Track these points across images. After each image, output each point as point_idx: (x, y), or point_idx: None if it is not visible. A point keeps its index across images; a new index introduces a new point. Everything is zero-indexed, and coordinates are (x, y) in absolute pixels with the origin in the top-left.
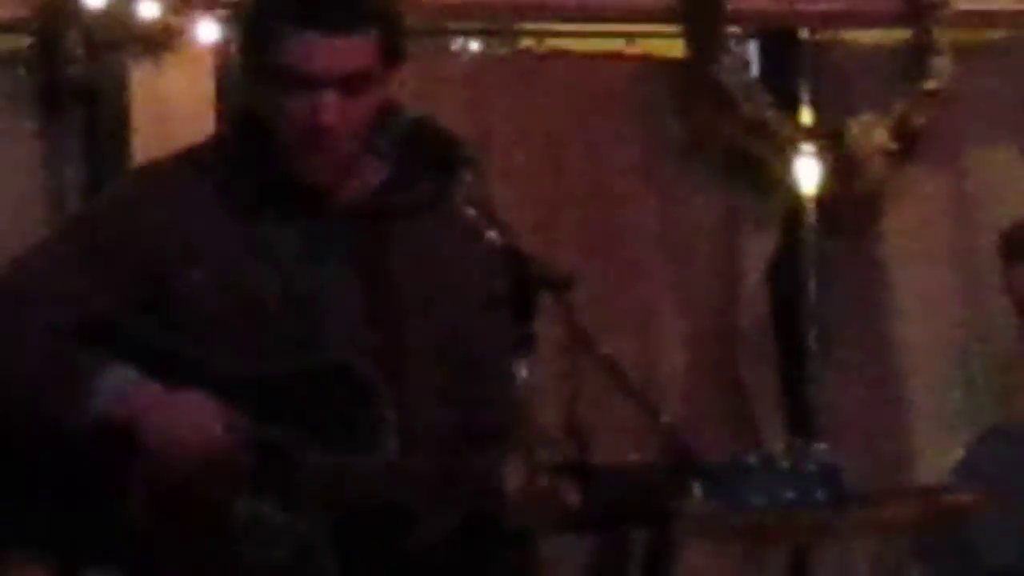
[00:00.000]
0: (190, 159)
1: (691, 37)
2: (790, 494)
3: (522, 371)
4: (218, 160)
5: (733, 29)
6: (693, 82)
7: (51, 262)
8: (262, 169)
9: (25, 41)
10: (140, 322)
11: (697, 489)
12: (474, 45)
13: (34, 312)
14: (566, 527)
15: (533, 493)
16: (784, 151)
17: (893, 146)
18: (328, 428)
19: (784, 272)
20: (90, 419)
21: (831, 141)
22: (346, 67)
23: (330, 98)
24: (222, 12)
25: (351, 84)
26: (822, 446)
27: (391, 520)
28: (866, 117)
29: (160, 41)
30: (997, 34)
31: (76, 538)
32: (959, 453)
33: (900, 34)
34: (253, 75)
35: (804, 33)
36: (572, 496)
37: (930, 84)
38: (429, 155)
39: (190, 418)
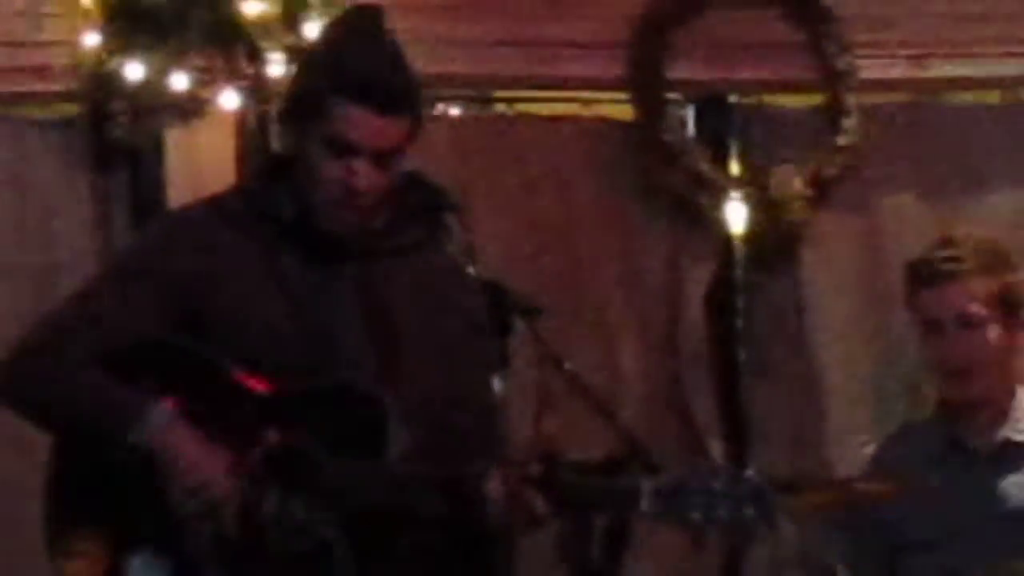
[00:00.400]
0: (216, 205)
1: (638, 102)
2: (722, 512)
3: (498, 384)
4: (244, 206)
5: (673, 95)
6: (641, 140)
7: (100, 296)
8: (284, 213)
9: (77, 109)
10: (184, 338)
11: (645, 502)
12: (455, 110)
13: (89, 339)
14: (536, 527)
15: (510, 501)
16: (717, 197)
17: (809, 192)
18: (342, 437)
19: (719, 299)
20: (132, 444)
21: (756, 188)
22: (387, 143)
23: (365, 167)
24: (241, 84)
25: (385, 155)
26: (751, 472)
27: (396, 518)
28: (786, 168)
29: (190, 108)
30: (896, 98)
31: (127, 522)
32: (869, 454)
33: (815, 98)
34: (302, 133)
35: (733, 98)
36: (540, 505)
37: (840, 140)
38: (420, 203)
39: (201, 462)
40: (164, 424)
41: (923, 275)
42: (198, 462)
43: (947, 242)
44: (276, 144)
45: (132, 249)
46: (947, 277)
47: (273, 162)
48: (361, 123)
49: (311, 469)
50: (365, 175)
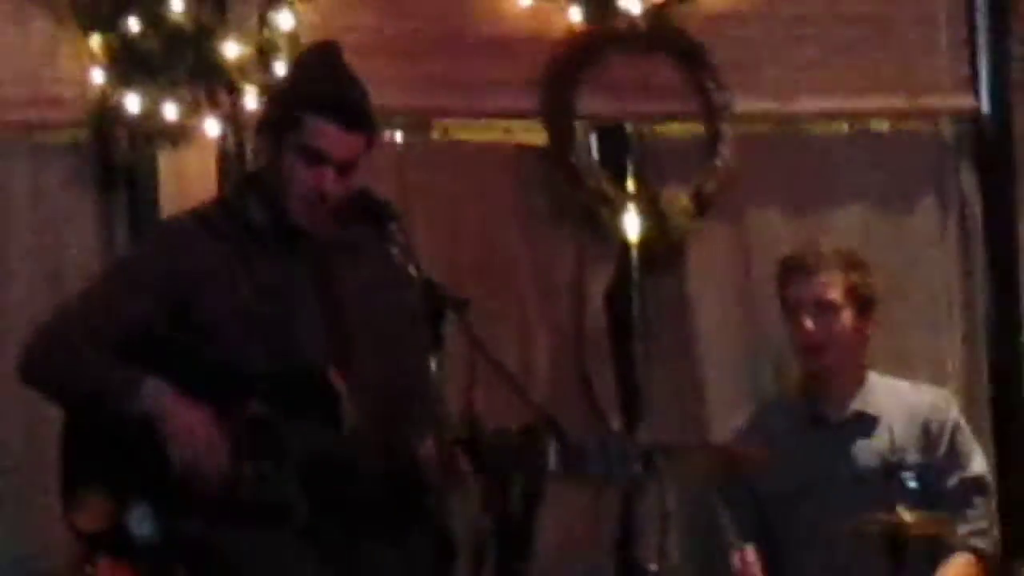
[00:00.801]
0: (198, 215)
1: (550, 130)
2: (617, 471)
3: (434, 364)
4: (222, 215)
5: (580, 124)
6: (552, 162)
7: (103, 294)
8: (256, 218)
9: (83, 135)
10: (175, 333)
11: (553, 461)
12: (398, 136)
13: (94, 328)
14: (462, 483)
15: (440, 461)
16: (616, 210)
17: (692, 207)
18: (304, 411)
19: (617, 296)
20: (132, 412)
21: (649, 203)
22: (350, 154)
23: (332, 174)
24: (221, 114)
25: (348, 166)
26: (642, 437)
27: (344, 475)
28: (673, 186)
29: (179, 135)
30: (764, 128)
31: (127, 479)
32: (736, 427)
33: (697, 128)
34: (279, 143)
35: (629, 127)
36: (465, 464)
37: (718, 163)
38: (369, 213)
39: (193, 420)
40: (158, 393)
41: (791, 268)
42: (191, 420)
43: (812, 244)
44: (251, 164)
45: (130, 254)
46: (810, 269)
47: (245, 177)
48: (331, 136)
49: (277, 436)
50: (331, 180)
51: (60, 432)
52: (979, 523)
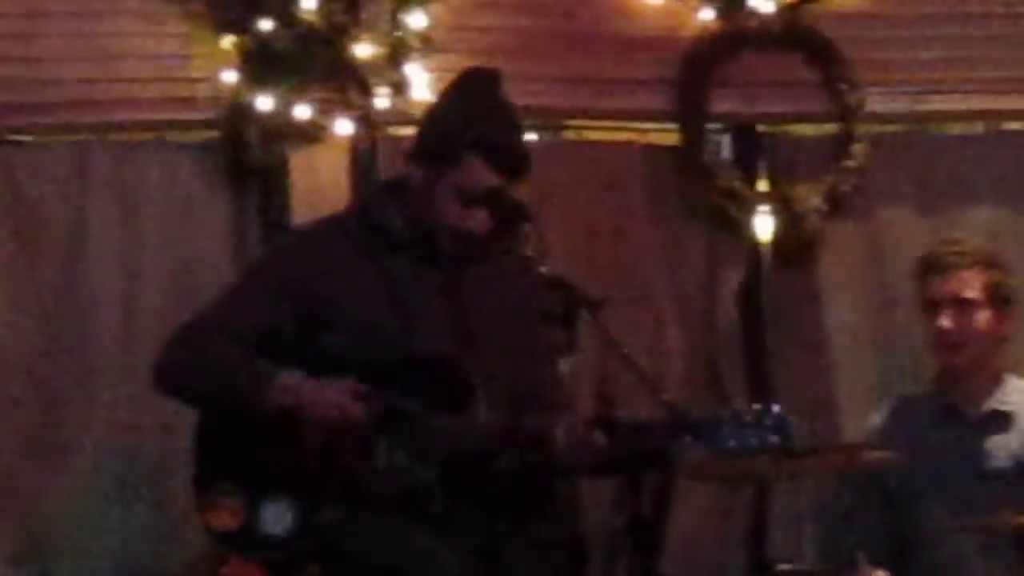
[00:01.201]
0: (334, 222)
1: (683, 130)
2: (753, 440)
3: (566, 366)
4: (359, 222)
5: (712, 125)
6: (685, 162)
7: (237, 297)
8: (395, 228)
9: (216, 134)
10: (314, 331)
11: (687, 438)
12: (533, 135)
13: (229, 332)
14: (598, 469)
15: (575, 440)
16: (748, 210)
17: (824, 206)
18: (437, 400)
19: (749, 294)
20: (270, 406)
21: (781, 203)
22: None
23: (484, 215)
24: (353, 114)
25: None
26: (776, 407)
27: (480, 466)
28: (805, 186)
29: (311, 134)
30: (897, 128)
31: (259, 478)
32: (874, 421)
33: (830, 128)
34: (433, 173)
35: (762, 127)
36: (601, 440)
37: (850, 163)
38: (504, 214)
39: (334, 397)
40: (292, 384)
41: (930, 265)
42: (327, 394)
43: (953, 241)
44: (382, 163)
45: (264, 258)
46: (949, 267)
47: (386, 187)
48: (493, 182)
49: (412, 424)
50: (483, 221)
51: (193, 430)
52: None
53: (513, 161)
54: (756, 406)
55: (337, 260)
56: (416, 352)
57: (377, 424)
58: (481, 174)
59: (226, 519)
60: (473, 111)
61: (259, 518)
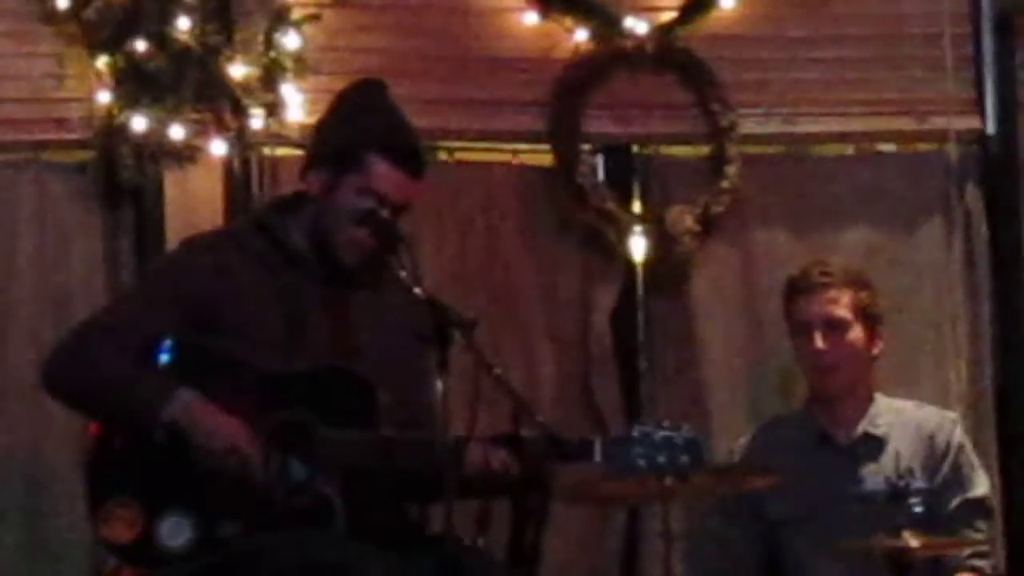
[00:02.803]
0: (230, 233)
1: (557, 151)
2: (662, 460)
3: (439, 384)
4: (256, 234)
5: (585, 146)
6: (560, 183)
7: (130, 304)
8: (294, 242)
9: (89, 154)
10: (205, 337)
11: (597, 454)
12: None
13: (121, 338)
14: (505, 484)
15: (485, 461)
16: (622, 231)
17: (698, 228)
18: (336, 411)
19: (622, 316)
20: (164, 422)
21: (654, 224)
22: (409, 200)
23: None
24: (227, 134)
25: (402, 210)
26: (686, 427)
27: (382, 477)
28: (679, 207)
29: (185, 155)
30: (770, 149)
31: (157, 491)
32: (742, 444)
33: (704, 149)
34: (335, 181)
35: (636, 148)
36: (511, 462)
37: (724, 184)
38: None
39: (223, 429)
40: (190, 402)
41: (799, 286)
42: (224, 429)
43: (819, 262)
44: (256, 184)
45: (157, 267)
46: (818, 287)
47: (282, 201)
48: (395, 181)
49: (309, 437)
50: (366, 241)
51: (86, 443)
52: (981, 545)
53: (415, 159)
54: (666, 425)
55: (231, 270)
56: (313, 364)
57: (276, 436)
58: (386, 172)
59: (122, 531)
60: (371, 115)
61: (157, 531)
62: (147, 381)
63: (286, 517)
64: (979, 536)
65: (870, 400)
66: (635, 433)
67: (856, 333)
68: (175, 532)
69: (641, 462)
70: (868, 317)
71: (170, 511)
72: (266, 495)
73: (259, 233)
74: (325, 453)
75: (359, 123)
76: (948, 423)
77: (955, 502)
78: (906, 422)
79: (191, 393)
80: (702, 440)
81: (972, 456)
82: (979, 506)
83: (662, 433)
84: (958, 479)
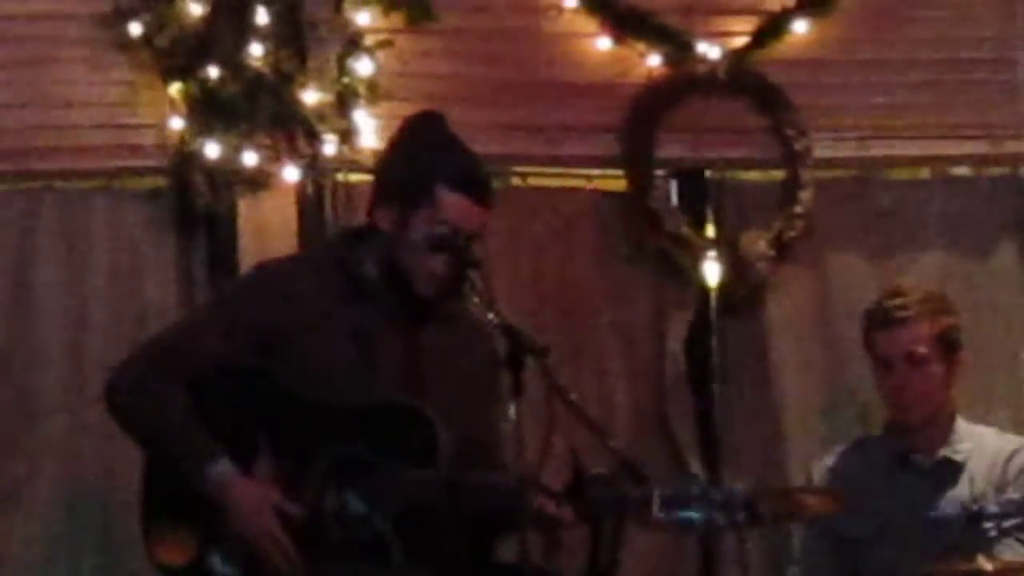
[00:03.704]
0: (304, 260)
1: (630, 176)
2: (719, 517)
3: (513, 411)
4: (331, 263)
5: (659, 171)
6: (632, 208)
7: (197, 328)
8: (367, 273)
9: (165, 182)
10: (270, 365)
11: (656, 509)
12: None
13: (184, 361)
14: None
15: (543, 515)
16: (696, 256)
17: (772, 253)
18: (396, 448)
19: (697, 341)
20: (200, 485)
21: (728, 249)
22: (480, 229)
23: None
24: (300, 160)
25: (475, 239)
26: (740, 486)
27: (440, 516)
28: (753, 232)
29: (258, 181)
30: (844, 173)
31: (210, 514)
32: (826, 463)
33: (777, 174)
34: (407, 215)
35: (709, 173)
36: (569, 516)
37: (798, 209)
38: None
39: (253, 510)
40: (222, 480)
41: (877, 320)
42: (250, 518)
43: (897, 292)
44: (330, 210)
45: (228, 291)
46: (897, 322)
47: (356, 232)
48: (466, 211)
49: (366, 472)
50: (446, 266)
51: (143, 465)
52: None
53: (484, 188)
54: (723, 486)
55: (303, 298)
56: (379, 399)
57: (332, 470)
58: (457, 205)
59: (174, 554)
60: (435, 147)
61: (210, 557)
62: (189, 440)
63: (341, 552)
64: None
65: (951, 424)
66: (693, 492)
67: (936, 366)
68: (228, 560)
69: (697, 518)
70: (948, 345)
71: (224, 539)
72: (323, 530)
73: (333, 263)
74: (384, 490)
75: (424, 157)
76: None
77: (1016, 520)
78: (985, 448)
79: (225, 468)
80: (757, 499)
81: None
82: None
83: (720, 491)
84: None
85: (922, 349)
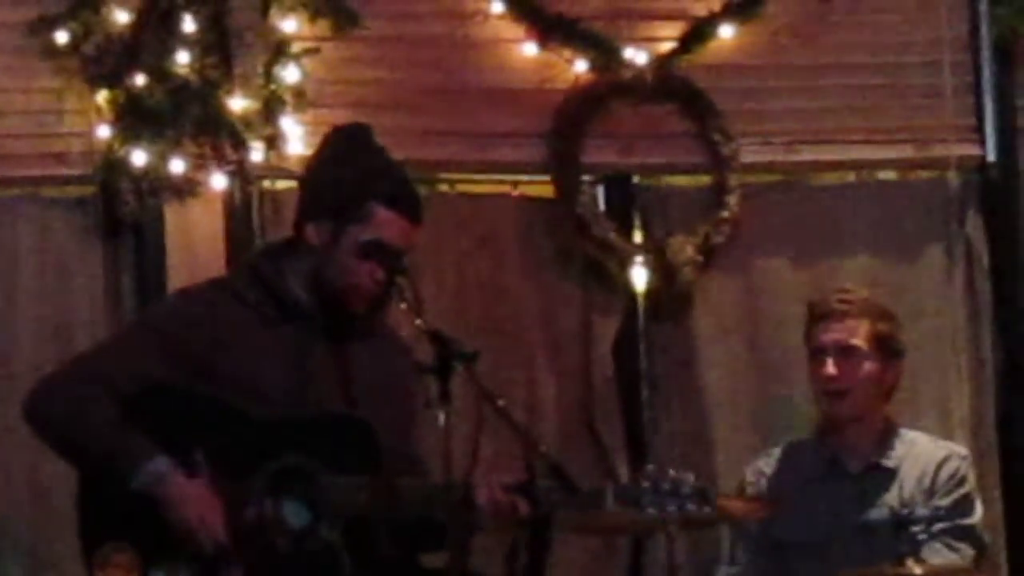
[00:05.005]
0: (225, 286)
1: (557, 182)
2: (672, 507)
3: (441, 417)
4: (251, 285)
5: (585, 176)
6: (560, 214)
7: (120, 347)
8: (293, 293)
9: (90, 189)
10: (200, 385)
11: (609, 502)
12: None
13: (108, 380)
14: (517, 527)
15: (497, 507)
16: (623, 261)
17: (699, 258)
18: (338, 457)
19: (624, 346)
20: (135, 487)
21: (656, 254)
22: (411, 245)
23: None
24: (227, 168)
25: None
26: (691, 475)
27: (386, 521)
28: (680, 237)
29: (185, 188)
30: (770, 178)
31: (153, 537)
32: (758, 466)
33: (704, 179)
34: (339, 231)
35: (636, 178)
36: (523, 508)
37: (725, 214)
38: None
39: (195, 505)
40: (161, 475)
41: (817, 312)
42: (192, 511)
43: (842, 290)
44: (257, 218)
45: (152, 314)
46: (835, 314)
47: (275, 250)
48: (399, 228)
49: (309, 482)
50: (377, 275)
51: (78, 484)
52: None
53: (418, 205)
54: (672, 473)
55: (227, 323)
56: (315, 411)
57: (274, 483)
58: (392, 222)
59: None
60: (367, 164)
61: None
62: (123, 440)
63: (291, 564)
64: (954, 557)
65: (884, 431)
66: (645, 481)
67: (870, 363)
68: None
69: (651, 510)
70: (885, 348)
71: (169, 557)
72: (270, 541)
73: (256, 284)
74: (328, 499)
75: (356, 173)
76: (956, 457)
77: (943, 525)
78: (916, 454)
79: (163, 463)
80: (710, 487)
81: (973, 490)
82: (968, 532)
83: (670, 481)
84: (955, 507)
85: (856, 342)
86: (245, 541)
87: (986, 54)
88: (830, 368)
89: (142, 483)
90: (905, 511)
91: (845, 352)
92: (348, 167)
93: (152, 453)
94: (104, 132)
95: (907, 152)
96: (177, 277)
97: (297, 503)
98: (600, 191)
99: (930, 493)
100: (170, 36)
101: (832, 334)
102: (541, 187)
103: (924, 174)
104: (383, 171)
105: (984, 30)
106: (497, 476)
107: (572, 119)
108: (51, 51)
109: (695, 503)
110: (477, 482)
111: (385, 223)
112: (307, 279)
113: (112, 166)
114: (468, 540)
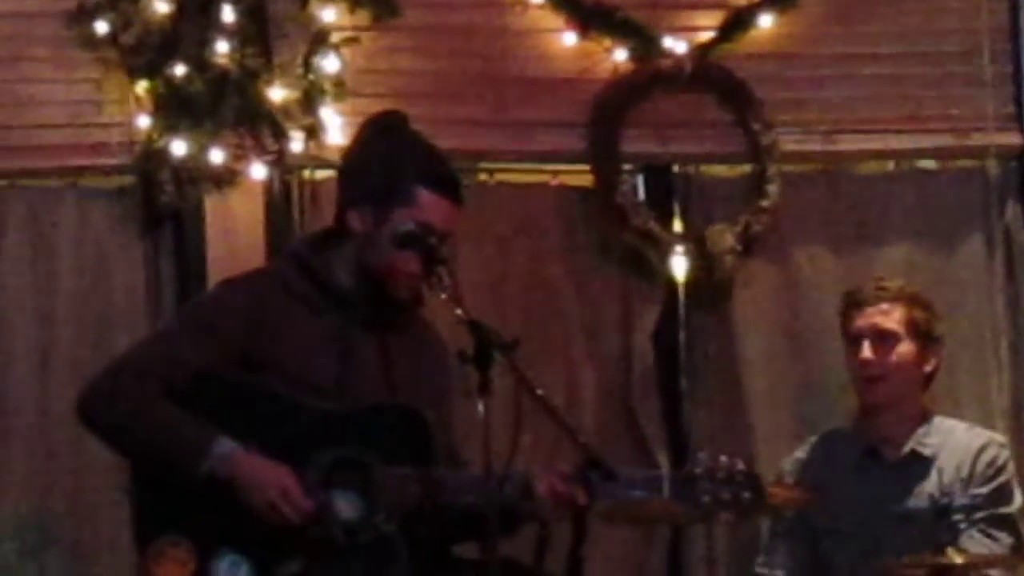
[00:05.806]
0: (270, 274)
1: (596, 172)
2: (727, 495)
3: (481, 407)
4: (298, 274)
5: (625, 166)
6: (598, 203)
7: (169, 340)
8: (338, 281)
9: (130, 180)
10: (250, 375)
11: (666, 490)
12: None
13: (160, 374)
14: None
15: (556, 497)
16: (663, 251)
17: (738, 247)
18: (392, 449)
19: (664, 335)
20: (204, 471)
21: (695, 243)
22: (455, 226)
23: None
24: (267, 158)
25: (449, 236)
26: (740, 462)
27: (443, 514)
28: (719, 226)
29: (225, 179)
30: (810, 167)
31: (211, 529)
32: (797, 456)
33: (744, 168)
34: (384, 215)
35: (676, 168)
36: (581, 497)
37: (764, 203)
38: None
39: (268, 481)
40: (228, 455)
41: (852, 300)
42: (266, 482)
43: (878, 279)
44: (297, 207)
45: (199, 305)
46: (871, 301)
47: (321, 238)
48: (444, 211)
49: (364, 474)
50: (415, 264)
51: (132, 479)
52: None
53: (459, 187)
54: (723, 459)
55: (273, 312)
56: (368, 402)
57: (332, 473)
58: (436, 205)
59: (175, 572)
60: (407, 148)
61: (212, 572)
62: (186, 427)
63: (347, 556)
64: (996, 546)
65: (921, 419)
66: (698, 468)
67: (906, 347)
68: (232, 572)
69: (706, 498)
70: (921, 335)
71: (226, 550)
72: (326, 534)
73: (303, 274)
74: (383, 491)
75: (397, 156)
76: (995, 445)
77: (982, 513)
78: (955, 442)
79: (230, 444)
80: (761, 476)
81: (1012, 479)
82: (1007, 520)
83: (723, 468)
84: (993, 495)
85: (891, 326)
86: (304, 532)
87: None
88: (866, 352)
89: (210, 468)
90: (944, 499)
91: (881, 336)
92: (388, 152)
93: (216, 436)
94: (144, 122)
95: (946, 141)
96: (217, 267)
97: (350, 494)
98: (640, 180)
99: (968, 481)
100: (209, 26)
101: (868, 319)
102: (580, 176)
103: (963, 163)
104: (424, 154)
105: None
106: (555, 467)
107: (611, 108)
108: (91, 41)
109: (749, 490)
110: (536, 473)
111: (429, 205)
112: (352, 267)
113: (151, 156)
114: (516, 532)
